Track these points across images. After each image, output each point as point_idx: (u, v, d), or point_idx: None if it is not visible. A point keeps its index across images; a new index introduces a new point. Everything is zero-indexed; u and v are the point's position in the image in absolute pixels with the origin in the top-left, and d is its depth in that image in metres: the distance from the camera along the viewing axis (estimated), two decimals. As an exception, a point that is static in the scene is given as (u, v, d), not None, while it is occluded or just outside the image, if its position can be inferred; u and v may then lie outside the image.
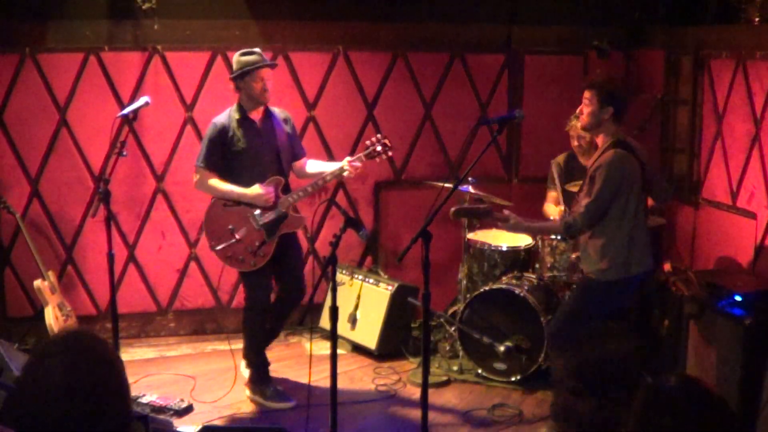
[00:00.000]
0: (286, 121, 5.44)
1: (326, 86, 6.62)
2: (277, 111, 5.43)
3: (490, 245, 6.04)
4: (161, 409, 5.15)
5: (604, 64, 6.70)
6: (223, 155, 5.22)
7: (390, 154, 5.40)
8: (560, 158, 6.24)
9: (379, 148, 5.30)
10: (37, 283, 5.93)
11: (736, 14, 5.85)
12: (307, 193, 5.31)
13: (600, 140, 4.80)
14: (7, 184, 6.19)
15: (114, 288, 5.02)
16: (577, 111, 4.97)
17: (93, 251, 6.27)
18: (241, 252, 5.23)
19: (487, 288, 5.78)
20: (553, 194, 6.22)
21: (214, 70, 6.41)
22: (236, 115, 5.24)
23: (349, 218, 4.40)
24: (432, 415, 4.76)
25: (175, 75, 6.30)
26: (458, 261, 6.11)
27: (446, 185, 4.66)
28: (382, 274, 6.58)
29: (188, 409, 5.27)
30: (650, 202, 5.04)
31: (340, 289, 6.04)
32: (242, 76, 5.16)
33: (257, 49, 5.27)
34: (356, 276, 6.48)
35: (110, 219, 4.90)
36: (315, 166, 5.48)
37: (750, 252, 5.65)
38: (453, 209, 4.63)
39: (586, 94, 4.75)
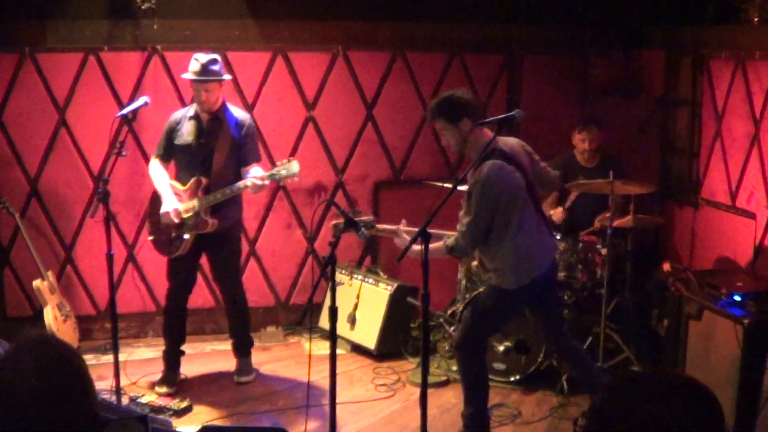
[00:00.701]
0: (239, 125, 5.43)
1: (325, 86, 6.62)
2: (236, 115, 5.47)
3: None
4: (161, 409, 5.16)
5: (603, 64, 6.71)
6: (171, 147, 5.48)
7: (294, 180, 5.25)
8: (560, 158, 6.25)
9: (283, 172, 5.18)
10: (37, 283, 5.93)
11: (736, 14, 5.85)
12: (216, 199, 5.31)
13: (473, 153, 4.55)
14: (6, 184, 6.18)
15: (113, 288, 5.01)
16: (443, 144, 4.77)
17: (92, 251, 6.26)
18: (165, 238, 5.46)
19: (486, 288, 5.78)
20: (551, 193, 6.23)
21: (213, 70, 6.41)
22: (191, 112, 5.45)
23: (349, 218, 4.40)
24: (431, 415, 4.75)
25: (174, 75, 6.29)
26: (457, 261, 6.11)
27: (445, 185, 4.66)
28: (381, 274, 6.58)
29: (187, 409, 5.27)
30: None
31: (339, 289, 6.02)
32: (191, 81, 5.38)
33: (206, 59, 5.29)
34: (355, 276, 6.49)
35: (109, 219, 4.90)
36: (252, 174, 5.38)
37: (749, 252, 5.65)
38: (333, 224, 4.63)
39: (437, 126, 4.59)
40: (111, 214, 5.02)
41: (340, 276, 6.32)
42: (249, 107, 6.49)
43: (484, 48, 6.82)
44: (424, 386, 4.14)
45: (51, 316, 5.85)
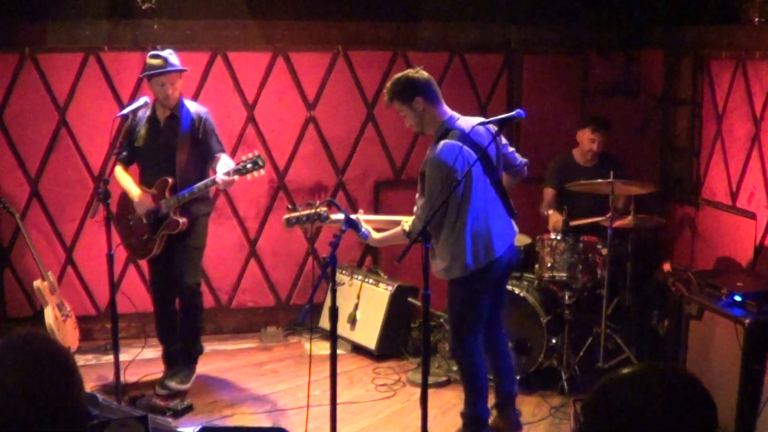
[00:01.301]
0: (195, 121, 5.37)
1: (326, 86, 6.62)
2: (191, 110, 5.40)
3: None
4: (161, 409, 5.15)
5: (603, 64, 6.71)
6: (131, 150, 5.43)
7: (261, 173, 5.22)
8: (559, 158, 6.25)
9: (249, 166, 5.16)
10: (37, 283, 5.93)
11: (736, 14, 5.86)
12: (185, 198, 5.27)
13: (432, 132, 4.54)
14: (6, 185, 6.19)
15: (114, 288, 5.01)
16: (407, 125, 4.68)
17: (93, 251, 6.26)
18: (136, 241, 5.44)
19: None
20: (550, 192, 6.23)
21: (213, 71, 6.41)
22: (148, 113, 5.38)
23: (349, 218, 4.40)
24: (432, 416, 4.75)
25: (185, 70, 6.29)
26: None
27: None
28: (381, 274, 6.58)
29: (187, 409, 5.27)
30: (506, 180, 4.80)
31: (339, 289, 5.99)
32: (148, 78, 5.27)
33: (165, 53, 5.27)
34: (356, 276, 6.49)
35: (110, 219, 4.90)
36: (219, 166, 5.33)
37: (749, 252, 5.65)
38: (285, 217, 4.58)
39: (396, 107, 4.57)
40: (111, 214, 5.02)
41: (340, 276, 6.31)
42: (249, 107, 6.50)
43: (485, 47, 6.82)
44: (425, 386, 4.13)
45: (51, 317, 5.85)
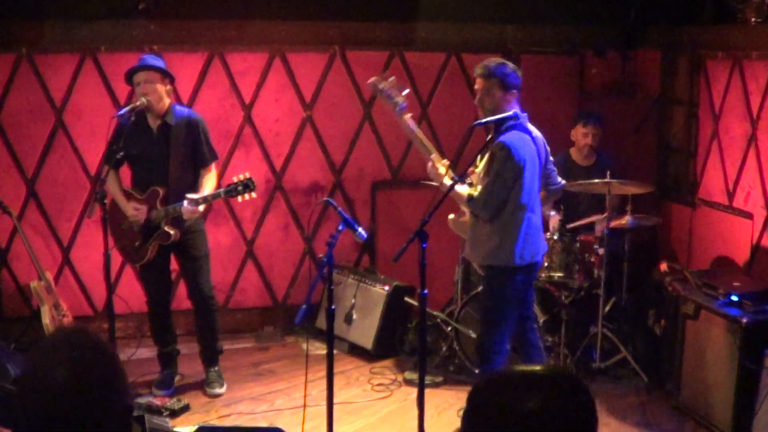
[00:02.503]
0: (189, 126, 5.30)
1: (323, 86, 6.62)
2: (184, 116, 5.33)
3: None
4: (158, 409, 5.15)
5: (600, 64, 6.72)
6: (122, 156, 5.28)
7: (252, 195, 5.17)
8: (557, 158, 6.25)
9: (240, 188, 5.11)
10: (33, 283, 5.92)
11: (733, 14, 5.86)
12: (176, 212, 5.20)
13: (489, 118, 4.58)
14: (3, 185, 6.18)
15: (110, 288, 5.01)
16: (476, 101, 4.65)
17: (90, 252, 6.25)
18: (129, 247, 5.41)
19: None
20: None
21: (211, 71, 6.41)
22: (140, 120, 5.25)
23: (346, 218, 4.40)
24: (428, 415, 4.75)
25: (172, 75, 6.27)
26: (455, 261, 6.11)
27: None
28: (378, 274, 6.59)
29: (185, 409, 5.27)
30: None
31: (336, 289, 6.03)
32: (132, 84, 5.25)
33: (145, 55, 5.30)
34: (353, 276, 6.49)
35: (106, 219, 4.90)
36: (202, 183, 5.32)
37: (746, 252, 5.65)
38: (371, 80, 4.71)
39: (482, 84, 4.57)
40: (108, 214, 5.02)
41: (337, 276, 6.31)
42: (246, 107, 6.50)
43: (482, 47, 6.81)
44: (422, 386, 4.14)
45: (48, 317, 5.84)
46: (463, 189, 4.56)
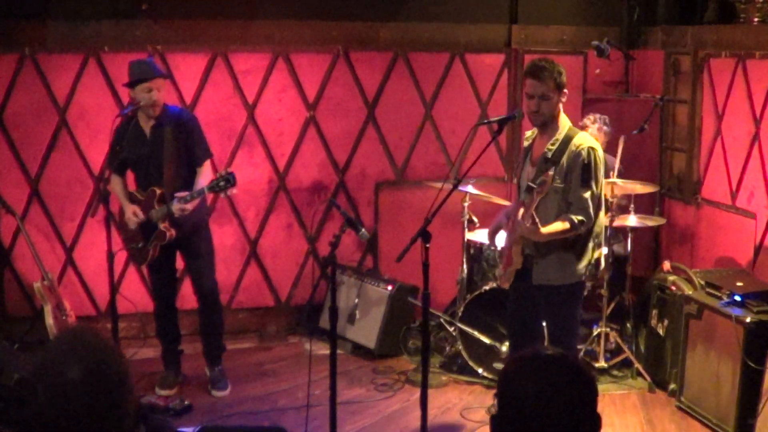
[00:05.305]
0: (181, 125, 5.32)
1: (326, 86, 6.62)
2: (176, 115, 5.35)
3: (489, 245, 6.03)
4: (161, 409, 5.16)
5: (603, 64, 6.71)
6: (123, 159, 5.34)
7: (234, 191, 5.14)
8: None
9: (222, 183, 5.07)
10: (37, 283, 5.93)
11: (736, 14, 5.86)
12: (170, 211, 5.23)
13: (553, 124, 4.46)
14: (7, 185, 6.19)
15: (114, 287, 5.02)
16: (532, 108, 4.45)
17: (93, 252, 6.26)
18: (135, 249, 5.47)
19: (487, 288, 5.78)
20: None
21: (214, 71, 6.41)
22: (132, 121, 5.28)
23: (349, 218, 4.40)
24: (431, 415, 4.75)
25: (175, 75, 6.30)
26: (458, 261, 6.11)
27: (446, 185, 4.65)
28: (381, 274, 6.58)
29: (187, 409, 5.27)
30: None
31: (339, 289, 6.03)
32: (132, 86, 5.22)
33: (148, 60, 5.30)
34: (356, 276, 6.49)
35: (110, 219, 4.91)
36: (198, 182, 5.31)
37: (749, 252, 5.65)
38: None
39: (542, 86, 4.41)
40: (111, 213, 5.03)
41: (340, 276, 6.31)
42: (250, 107, 6.50)
43: (485, 48, 6.82)
44: (425, 386, 4.14)
45: (51, 317, 5.85)
46: (553, 226, 4.31)
